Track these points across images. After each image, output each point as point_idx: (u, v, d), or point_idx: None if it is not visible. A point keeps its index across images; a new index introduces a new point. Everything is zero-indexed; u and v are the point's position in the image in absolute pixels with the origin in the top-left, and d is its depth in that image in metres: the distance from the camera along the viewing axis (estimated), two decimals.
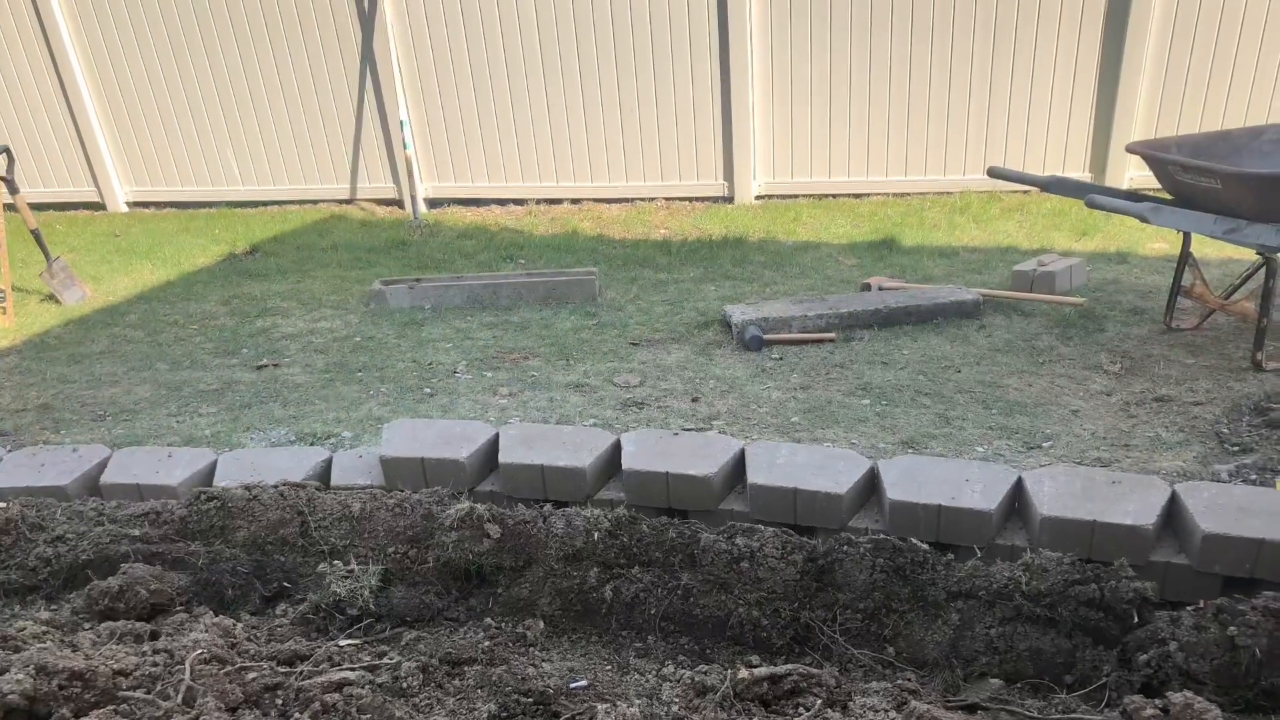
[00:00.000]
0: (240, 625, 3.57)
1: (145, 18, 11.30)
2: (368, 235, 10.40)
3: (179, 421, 5.95)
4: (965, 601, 3.42)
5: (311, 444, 5.45)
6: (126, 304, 8.52)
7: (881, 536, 3.63)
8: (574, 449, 4.51)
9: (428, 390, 6.16)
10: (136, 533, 4.21)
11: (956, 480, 4.00)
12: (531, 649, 3.57)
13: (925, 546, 3.59)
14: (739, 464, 4.38)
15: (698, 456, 4.34)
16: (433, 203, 11.50)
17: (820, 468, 4.19)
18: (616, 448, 4.55)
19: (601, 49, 10.40)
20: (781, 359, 6.29)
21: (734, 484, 4.40)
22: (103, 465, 4.93)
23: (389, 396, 6.10)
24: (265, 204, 12.00)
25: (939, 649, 3.39)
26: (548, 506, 4.11)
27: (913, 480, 4.03)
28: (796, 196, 10.56)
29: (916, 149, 10.14)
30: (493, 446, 4.66)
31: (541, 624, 3.72)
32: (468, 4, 10.47)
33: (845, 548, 3.60)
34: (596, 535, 3.81)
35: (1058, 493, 3.83)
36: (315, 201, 11.91)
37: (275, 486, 4.31)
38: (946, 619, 3.42)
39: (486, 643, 3.49)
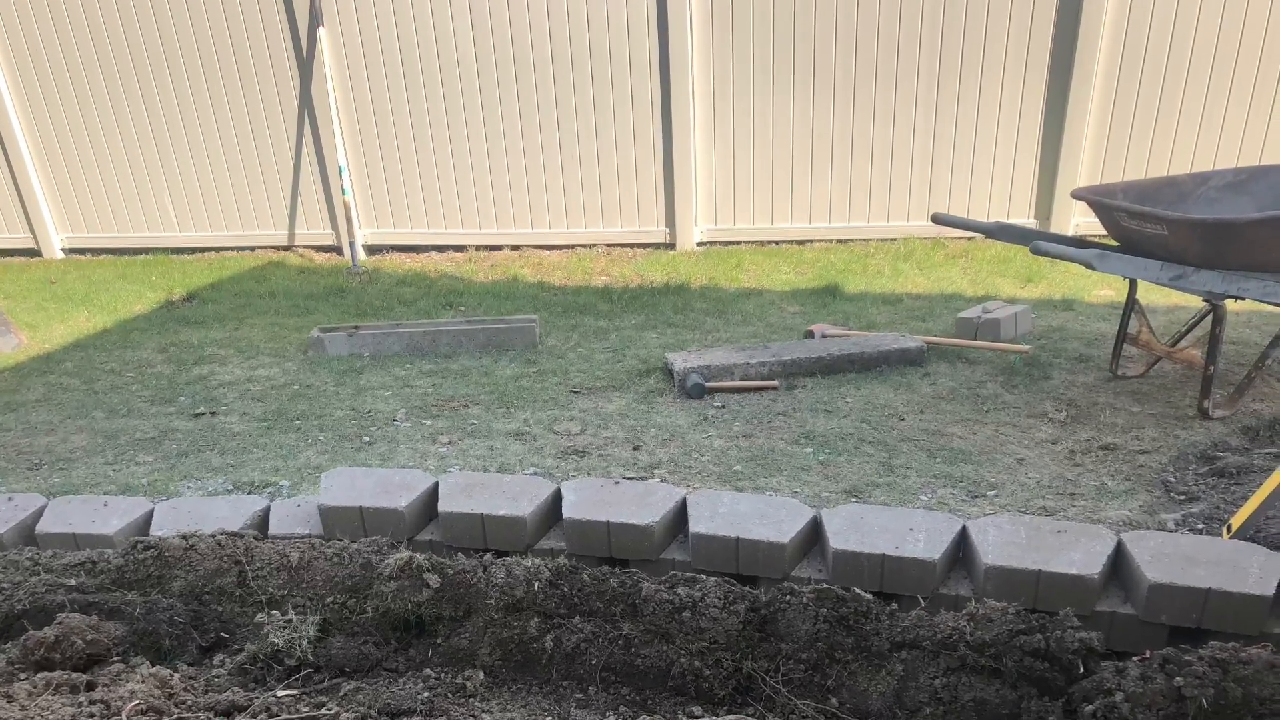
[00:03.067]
0: (177, 676, 3.50)
1: (81, 62, 11.18)
2: (306, 282, 10.31)
3: (115, 470, 5.84)
4: (909, 652, 3.39)
5: (249, 493, 5.37)
6: (62, 351, 8.38)
7: (825, 586, 3.61)
8: (514, 498, 4.46)
9: (366, 439, 6.09)
10: (73, 582, 4.13)
11: (900, 529, 3.99)
12: (471, 700, 3.50)
13: (869, 596, 3.57)
14: (681, 513, 4.34)
15: (639, 505, 4.30)
16: (372, 249, 11.43)
17: (763, 517, 4.16)
18: (557, 497, 4.51)
19: (542, 95, 10.42)
20: (724, 407, 6.28)
21: (676, 533, 4.37)
22: (38, 514, 4.85)
23: (327, 445, 6.02)
24: (203, 250, 11.85)
25: (883, 700, 3.36)
26: (488, 556, 4.05)
27: (856, 529, 4.01)
28: (739, 243, 10.60)
29: (860, 195, 10.21)
30: (432, 495, 4.61)
31: (481, 674, 3.66)
32: (407, 50, 10.46)
33: (788, 597, 3.57)
34: (537, 585, 3.76)
35: (1002, 542, 3.82)
36: (253, 248, 11.80)
37: (213, 536, 4.24)
38: (890, 669, 3.39)
39: (426, 693, 3.44)
